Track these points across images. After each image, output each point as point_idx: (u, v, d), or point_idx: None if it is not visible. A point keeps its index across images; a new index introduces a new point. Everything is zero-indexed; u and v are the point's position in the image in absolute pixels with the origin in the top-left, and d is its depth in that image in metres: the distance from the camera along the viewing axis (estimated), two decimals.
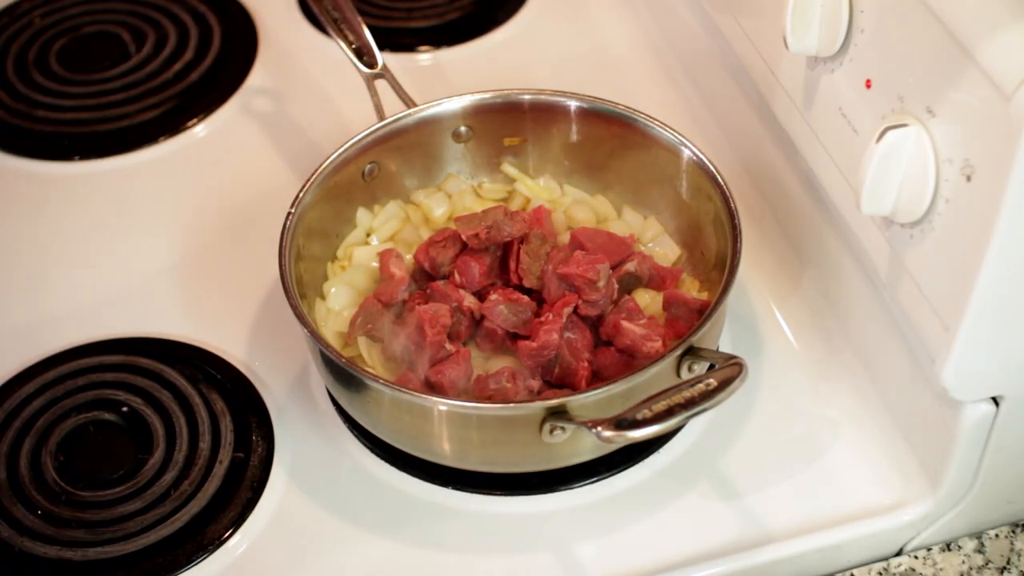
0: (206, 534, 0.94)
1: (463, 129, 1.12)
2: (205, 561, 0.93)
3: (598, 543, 0.94)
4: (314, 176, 1.03)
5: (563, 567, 0.93)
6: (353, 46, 1.14)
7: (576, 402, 0.88)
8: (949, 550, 0.94)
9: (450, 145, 1.12)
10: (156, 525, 0.94)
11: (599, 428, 0.82)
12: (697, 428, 1.00)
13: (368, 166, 1.08)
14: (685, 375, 0.91)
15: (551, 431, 0.87)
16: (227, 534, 0.94)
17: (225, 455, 0.98)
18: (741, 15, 1.05)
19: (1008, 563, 0.93)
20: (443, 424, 0.92)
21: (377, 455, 0.99)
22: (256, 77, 1.32)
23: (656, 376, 0.89)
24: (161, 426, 1.00)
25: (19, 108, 1.30)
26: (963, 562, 0.93)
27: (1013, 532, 0.95)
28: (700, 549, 0.93)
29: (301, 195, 1.01)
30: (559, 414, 0.87)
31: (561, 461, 0.94)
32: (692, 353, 0.91)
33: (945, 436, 0.89)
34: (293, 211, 1.00)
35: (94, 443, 1.00)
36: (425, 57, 1.34)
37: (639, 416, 0.82)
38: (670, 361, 0.90)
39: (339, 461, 1.00)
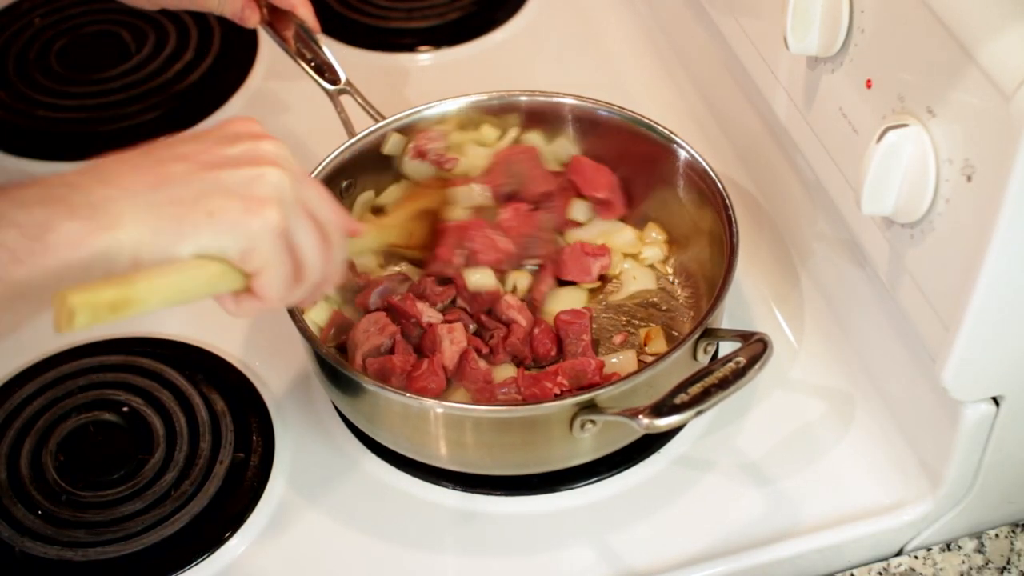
0: (206, 534, 0.94)
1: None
2: (205, 561, 0.93)
3: (593, 544, 0.94)
4: None
5: (558, 569, 0.93)
6: (312, 64, 1.14)
7: (605, 395, 0.89)
8: (949, 550, 0.94)
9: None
10: (156, 525, 0.94)
11: (640, 416, 0.83)
12: (694, 430, 1.00)
13: (345, 183, 1.08)
14: (701, 357, 0.94)
15: (582, 426, 0.89)
16: (227, 534, 0.94)
17: (225, 455, 0.98)
18: (741, 15, 1.05)
19: (1008, 563, 0.93)
20: (467, 430, 0.92)
21: (377, 455, 0.99)
22: (256, 78, 1.32)
23: (676, 362, 0.91)
24: (161, 426, 1.00)
25: (19, 108, 1.30)
26: (963, 562, 0.93)
27: (1013, 532, 0.95)
28: (699, 549, 0.93)
29: None
30: (590, 408, 0.88)
31: (579, 458, 0.94)
32: (708, 335, 0.93)
33: (945, 436, 0.89)
34: None
35: (94, 443, 1.00)
36: (425, 57, 1.34)
37: (677, 401, 0.84)
38: (689, 345, 0.92)
39: (339, 461, 1.00)
